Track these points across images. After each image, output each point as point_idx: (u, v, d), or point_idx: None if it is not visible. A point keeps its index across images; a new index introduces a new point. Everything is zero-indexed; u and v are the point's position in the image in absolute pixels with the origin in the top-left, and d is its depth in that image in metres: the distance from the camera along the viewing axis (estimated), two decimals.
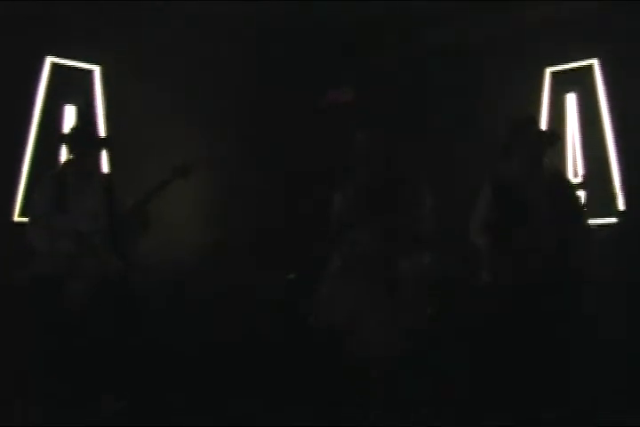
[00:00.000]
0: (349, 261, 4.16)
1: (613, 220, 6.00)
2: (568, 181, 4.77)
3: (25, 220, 5.08)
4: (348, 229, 4.20)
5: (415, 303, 4.15)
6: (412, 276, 4.12)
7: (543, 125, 6.43)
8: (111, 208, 4.74)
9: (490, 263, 4.60)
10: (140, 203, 4.68)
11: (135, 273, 4.65)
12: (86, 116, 6.15)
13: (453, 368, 5.51)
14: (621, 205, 6.04)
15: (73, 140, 4.88)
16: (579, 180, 6.20)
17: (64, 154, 5.81)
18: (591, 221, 5.92)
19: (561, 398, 4.47)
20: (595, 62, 6.27)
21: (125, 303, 4.52)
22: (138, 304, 4.69)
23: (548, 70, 6.56)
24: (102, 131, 6.29)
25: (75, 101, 6.29)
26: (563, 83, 6.48)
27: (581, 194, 5.16)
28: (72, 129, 4.97)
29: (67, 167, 4.90)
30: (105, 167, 6.17)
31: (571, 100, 6.43)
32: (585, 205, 4.92)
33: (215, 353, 5.70)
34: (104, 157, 6.15)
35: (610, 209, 6.05)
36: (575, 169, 6.32)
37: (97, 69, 6.45)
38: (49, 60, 6.21)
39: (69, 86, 6.33)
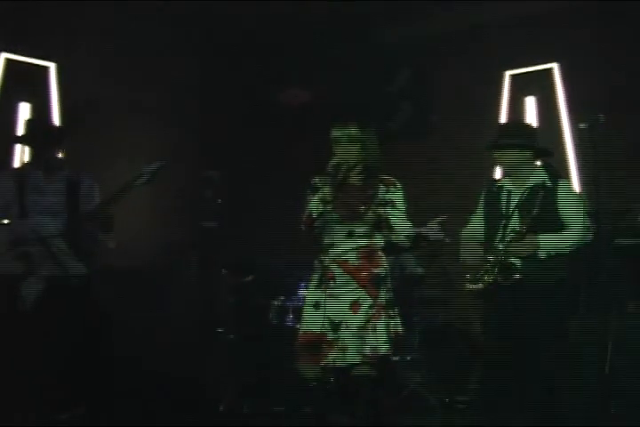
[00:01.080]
0: (328, 269, 4.11)
1: None
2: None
3: None
4: (322, 232, 4.15)
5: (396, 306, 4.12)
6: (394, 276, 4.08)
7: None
8: (76, 207, 4.63)
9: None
10: (102, 206, 4.57)
11: (96, 276, 4.54)
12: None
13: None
14: None
15: (30, 136, 4.77)
16: None
17: (20, 152, 5.68)
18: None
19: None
20: (554, 66, 6.33)
21: (85, 307, 4.42)
22: (99, 307, 4.59)
23: (508, 73, 6.60)
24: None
25: (30, 99, 6.15)
26: (522, 86, 6.53)
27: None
28: (28, 125, 4.85)
29: (26, 165, 4.78)
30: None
31: (530, 103, 6.48)
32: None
33: (176, 354, 5.65)
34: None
35: None
36: None
37: (52, 66, 6.32)
38: (3, 57, 6.08)
39: (24, 83, 6.19)
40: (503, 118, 6.55)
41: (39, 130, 4.82)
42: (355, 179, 4.17)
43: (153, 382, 5.85)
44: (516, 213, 4.49)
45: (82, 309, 4.38)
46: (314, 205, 4.07)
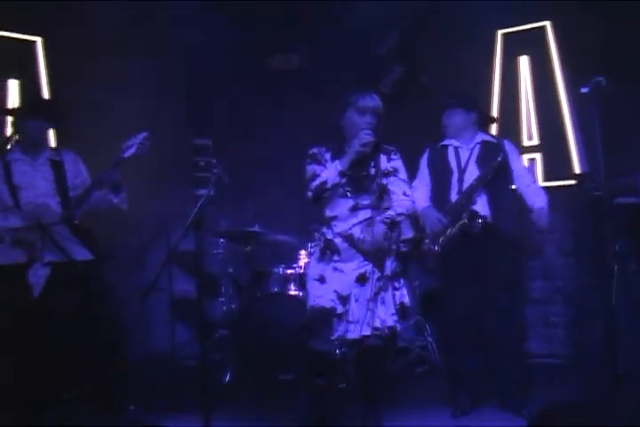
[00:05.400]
0: (332, 242, 4.08)
1: (570, 182, 6.04)
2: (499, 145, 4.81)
3: None
4: (327, 204, 4.11)
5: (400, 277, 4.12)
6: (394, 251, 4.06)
7: (496, 89, 6.45)
8: (66, 187, 4.58)
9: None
10: (93, 187, 4.49)
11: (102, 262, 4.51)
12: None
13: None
14: (578, 167, 6.09)
15: (18, 113, 4.68)
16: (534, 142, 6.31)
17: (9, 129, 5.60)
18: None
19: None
20: (547, 24, 6.25)
21: (94, 293, 4.39)
22: (107, 293, 4.57)
23: (500, 32, 6.52)
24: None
25: (17, 75, 6.05)
26: (515, 45, 6.46)
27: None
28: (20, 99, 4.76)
29: (11, 143, 4.65)
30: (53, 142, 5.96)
31: (523, 62, 6.41)
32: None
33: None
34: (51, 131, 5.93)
35: (566, 172, 6.10)
36: (530, 131, 6.35)
37: (39, 40, 6.21)
38: None
39: (11, 59, 6.08)
40: (496, 78, 6.50)
41: (30, 103, 4.73)
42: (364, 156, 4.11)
43: (158, 360, 5.95)
44: (472, 165, 4.71)
45: (89, 294, 4.36)
46: (330, 176, 4.02)
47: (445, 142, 4.86)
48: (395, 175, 4.13)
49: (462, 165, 4.74)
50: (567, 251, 6.20)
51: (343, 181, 4.01)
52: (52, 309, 4.23)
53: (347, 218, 4.06)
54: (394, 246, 4.01)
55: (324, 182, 4.00)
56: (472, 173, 4.71)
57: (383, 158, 4.15)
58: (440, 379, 5.30)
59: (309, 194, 4.07)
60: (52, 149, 4.76)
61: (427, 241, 4.73)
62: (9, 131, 5.12)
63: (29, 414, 4.18)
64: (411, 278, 6.19)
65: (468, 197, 4.66)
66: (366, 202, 4.06)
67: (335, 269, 4.03)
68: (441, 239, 4.66)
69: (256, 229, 6.03)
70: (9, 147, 4.65)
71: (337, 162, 4.03)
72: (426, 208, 4.76)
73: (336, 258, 4.04)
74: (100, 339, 4.34)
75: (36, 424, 4.18)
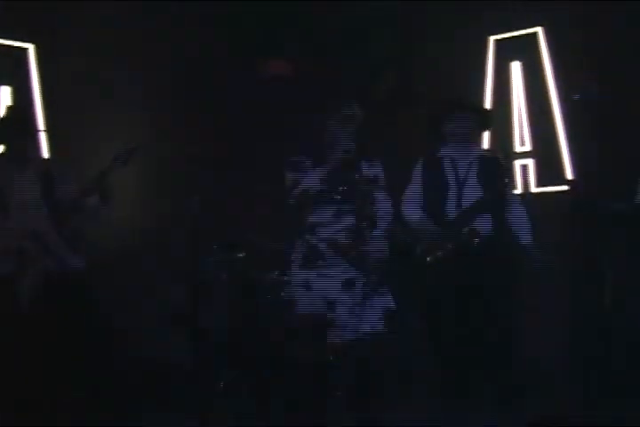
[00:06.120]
0: (316, 248, 4.08)
1: (563, 188, 6.06)
2: (499, 163, 4.81)
3: None
4: (310, 211, 4.12)
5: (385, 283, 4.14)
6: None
7: (488, 95, 6.47)
8: (55, 197, 4.56)
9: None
10: (83, 194, 4.49)
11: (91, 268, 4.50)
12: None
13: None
14: (570, 174, 6.11)
15: (4, 124, 4.66)
16: (526, 148, 6.33)
17: None
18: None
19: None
20: (539, 30, 6.27)
21: (84, 300, 4.38)
22: (97, 300, 4.56)
23: (492, 38, 6.54)
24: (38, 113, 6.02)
25: (9, 82, 6.03)
26: (507, 51, 6.48)
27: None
28: (5, 113, 4.74)
29: None
30: (43, 152, 5.93)
31: (515, 68, 6.43)
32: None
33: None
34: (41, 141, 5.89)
35: (558, 177, 6.12)
36: (522, 137, 6.36)
37: (31, 47, 6.19)
38: None
39: (3, 66, 6.06)
40: (488, 84, 6.52)
41: (16, 116, 4.72)
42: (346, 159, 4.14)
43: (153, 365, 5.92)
44: (473, 180, 4.68)
45: (82, 303, 4.35)
46: (312, 183, 4.03)
47: (442, 153, 4.84)
48: (375, 182, 4.17)
49: (461, 179, 4.72)
50: (560, 256, 6.20)
51: (325, 187, 4.03)
52: (42, 317, 4.22)
53: (331, 224, 4.08)
54: (380, 252, 4.04)
55: (307, 190, 4.03)
56: (472, 189, 4.69)
57: (365, 165, 4.18)
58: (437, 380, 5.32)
59: (291, 202, 4.10)
60: (38, 159, 4.73)
61: (418, 251, 4.72)
62: None
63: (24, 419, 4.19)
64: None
65: (469, 214, 4.64)
66: (349, 208, 4.08)
67: (319, 274, 4.05)
68: (437, 253, 4.64)
69: (250, 235, 6.02)
70: None
71: (318, 169, 4.05)
72: (421, 219, 4.76)
73: (320, 263, 4.05)
74: (95, 345, 4.35)
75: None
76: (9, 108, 4.86)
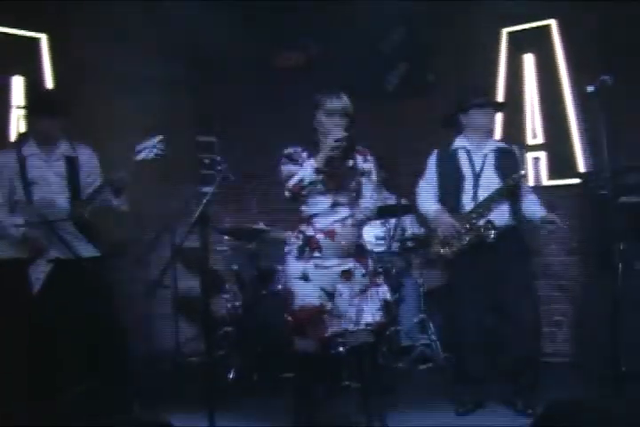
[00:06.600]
0: (313, 239, 4.09)
1: (575, 180, 6.04)
2: (514, 154, 4.77)
3: None
4: (306, 202, 4.13)
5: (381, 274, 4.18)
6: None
7: (500, 87, 6.45)
8: (78, 184, 4.57)
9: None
10: (97, 192, 4.47)
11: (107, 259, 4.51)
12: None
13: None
14: (582, 166, 6.09)
15: (32, 105, 4.68)
16: (539, 141, 6.31)
17: (20, 126, 5.58)
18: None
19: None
20: (552, 22, 6.25)
21: (98, 290, 4.39)
22: (111, 290, 4.57)
23: (505, 31, 6.52)
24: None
25: (23, 72, 6.05)
26: (520, 43, 6.45)
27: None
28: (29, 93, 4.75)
29: (22, 139, 4.66)
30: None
31: (528, 60, 6.41)
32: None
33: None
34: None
35: (570, 170, 6.10)
36: (534, 130, 6.34)
37: (44, 37, 6.21)
38: None
39: (16, 56, 6.08)
40: (501, 77, 6.50)
41: (40, 98, 4.72)
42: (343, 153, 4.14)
43: (164, 357, 5.95)
44: (489, 172, 4.64)
45: (93, 291, 4.35)
46: (306, 173, 4.04)
47: (457, 145, 4.80)
48: (367, 177, 4.19)
49: (477, 171, 4.69)
50: (571, 250, 6.20)
51: (320, 177, 4.03)
52: (53, 305, 4.23)
53: (327, 215, 4.09)
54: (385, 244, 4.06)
55: (301, 180, 4.03)
56: (489, 181, 4.66)
57: (359, 158, 4.18)
58: (443, 377, 5.32)
59: (287, 193, 4.10)
60: (68, 143, 4.70)
61: (436, 242, 4.74)
62: (22, 127, 5.16)
63: (30, 412, 4.20)
64: (415, 276, 6.23)
65: (486, 205, 4.63)
66: (345, 199, 4.10)
67: (317, 265, 4.05)
68: (455, 246, 4.66)
69: (260, 226, 6.04)
70: (21, 141, 4.65)
71: (312, 159, 4.05)
72: (438, 211, 4.75)
73: (317, 255, 4.06)
74: (104, 336, 4.35)
75: (38, 423, 4.18)
76: (35, 90, 4.85)
